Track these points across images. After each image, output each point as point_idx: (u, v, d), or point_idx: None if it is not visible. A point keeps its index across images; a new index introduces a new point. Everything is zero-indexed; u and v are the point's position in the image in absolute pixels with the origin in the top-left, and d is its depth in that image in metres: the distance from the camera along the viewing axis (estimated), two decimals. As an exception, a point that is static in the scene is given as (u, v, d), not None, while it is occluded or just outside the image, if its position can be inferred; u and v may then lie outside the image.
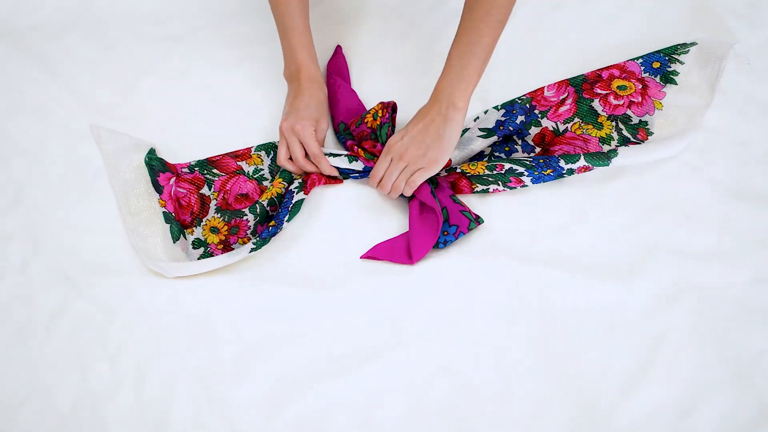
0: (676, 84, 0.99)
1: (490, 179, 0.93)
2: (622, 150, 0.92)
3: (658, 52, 1.01)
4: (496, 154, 0.97)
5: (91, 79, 1.09)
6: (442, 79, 0.90)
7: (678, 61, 1.00)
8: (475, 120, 0.98)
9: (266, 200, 0.95)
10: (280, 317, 0.89)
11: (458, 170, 0.94)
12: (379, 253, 0.91)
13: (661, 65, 1.00)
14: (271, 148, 1.01)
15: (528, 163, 0.91)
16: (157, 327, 0.89)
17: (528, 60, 1.06)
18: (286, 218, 0.92)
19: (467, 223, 0.90)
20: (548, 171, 0.91)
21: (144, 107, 1.07)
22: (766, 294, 0.85)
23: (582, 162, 0.91)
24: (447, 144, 0.89)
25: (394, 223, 0.95)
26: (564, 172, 0.91)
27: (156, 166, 0.98)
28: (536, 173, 0.91)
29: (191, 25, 1.15)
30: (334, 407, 0.83)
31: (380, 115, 0.96)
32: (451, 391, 0.83)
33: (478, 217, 0.92)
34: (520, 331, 0.85)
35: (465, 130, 0.97)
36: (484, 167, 0.93)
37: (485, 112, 0.99)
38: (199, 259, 0.93)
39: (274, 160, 1.00)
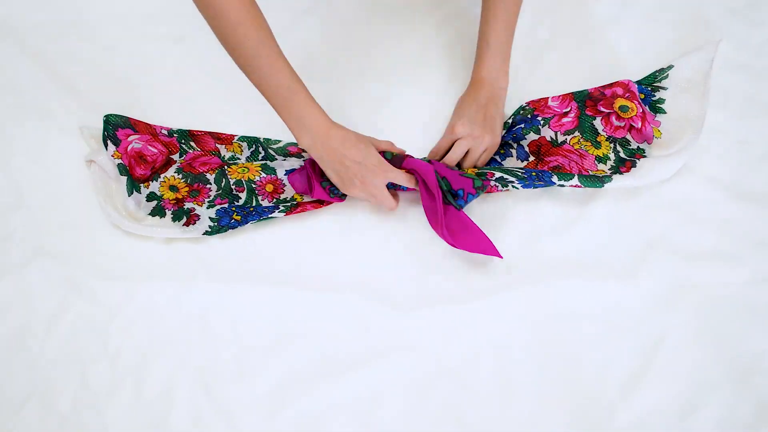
0: (665, 113, 0.97)
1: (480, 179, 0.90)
2: (616, 176, 0.91)
3: (639, 83, 0.99)
4: (493, 156, 0.96)
5: (91, 79, 1.09)
6: (484, 62, 0.94)
7: (661, 88, 0.98)
8: None
9: (234, 180, 0.95)
10: (280, 318, 0.89)
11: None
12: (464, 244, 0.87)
13: (645, 96, 0.98)
14: (254, 141, 1.00)
15: (520, 174, 0.89)
16: (157, 327, 0.89)
17: (527, 60, 1.06)
18: (253, 221, 0.93)
19: (471, 183, 0.89)
20: (539, 182, 0.90)
21: (144, 107, 1.07)
22: (766, 294, 0.85)
23: (575, 181, 0.90)
24: (499, 125, 0.94)
25: (393, 224, 0.95)
26: (555, 185, 0.90)
27: (114, 121, 0.98)
28: (527, 183, 0.90)
29: (191, 25, 1.14)
30: (334, 407, 0.83)
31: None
32: (451, 392, 0.83)
33: (477, 176, 0.89)
34: (520, 332, 0.85)
35: None
36: (474, 173, 0.91)
37: None
38: (151, 212, 0.95)
39: (254, 153, 1.00)
